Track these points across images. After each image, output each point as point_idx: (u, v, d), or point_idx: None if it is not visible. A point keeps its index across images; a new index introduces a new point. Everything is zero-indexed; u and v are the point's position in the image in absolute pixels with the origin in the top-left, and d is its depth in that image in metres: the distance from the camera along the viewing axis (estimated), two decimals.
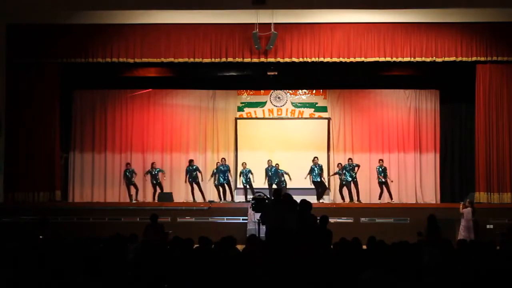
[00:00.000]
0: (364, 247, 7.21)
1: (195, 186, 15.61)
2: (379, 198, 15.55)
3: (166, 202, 14.81)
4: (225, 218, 14.03)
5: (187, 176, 15.60)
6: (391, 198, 15.52)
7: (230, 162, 16.61)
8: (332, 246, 8.04)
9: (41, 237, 9.24)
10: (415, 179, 16.56)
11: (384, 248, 6.65)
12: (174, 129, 17.13)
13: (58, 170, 15.22)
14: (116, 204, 15.04)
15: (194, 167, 15.69)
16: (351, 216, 14.02)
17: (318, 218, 8.90)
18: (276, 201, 9.34)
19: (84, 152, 16.83)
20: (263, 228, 9.48)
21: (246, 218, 13.68)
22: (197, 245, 7.14)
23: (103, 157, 16.84)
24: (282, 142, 16.86)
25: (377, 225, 13.73)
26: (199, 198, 15.63)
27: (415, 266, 5.76)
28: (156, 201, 15.34)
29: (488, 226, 13.60)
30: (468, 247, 7.41)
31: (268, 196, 12.59)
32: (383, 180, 15.45)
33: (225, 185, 15.57)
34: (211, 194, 16.11)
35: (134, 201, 15.44)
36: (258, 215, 9.91)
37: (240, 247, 7.36)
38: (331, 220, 9.42)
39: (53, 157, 15.04)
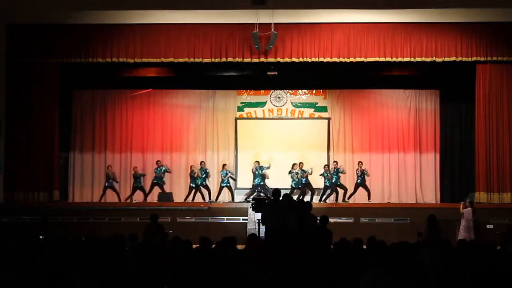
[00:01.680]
0: (364, 247, 7.21)
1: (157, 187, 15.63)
2: (348, 198, 15.37)
3: (166, 202, 14.80)
4: (225, 218, 14.02)
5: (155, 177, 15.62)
6: (369, 198, 15.47)
7: (230, 162, 16.63)
8: (332, 246, 8.04)
9: (41, 237, 9.24)
10: (415, 179, 16.56)
11: (384, 248, 6.65)
12: (174, 129, 17.12)
13: (57, 170, 15.21)
14: (116, 204, 15.01)
15: (162, 169, 15.63)
16: (351, 216, 14.01)
17: (318, 218, 8.90)
18: (276, 201, 9.34)
19: (84, 152, 16.83)
20: (263, 228, 9.47)
21: (246, 218, 13.68)
22: (197, 245, 7.13)
23: (103, 157, 16.84)
24: (282, 142, 16.85)
25: (377, 225, 13.73)
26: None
27: (415, 266, 5.76)
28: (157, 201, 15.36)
29: (488, 226, 13.60)
30: (468, 247, 7.40)
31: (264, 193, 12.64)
32: (360, 182, 15.36)
33: (203, 187, 15.49)
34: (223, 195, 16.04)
35: (134, 201, 15.44)
36: (258, 215, 9.91)
37: (240, 247, 7.36)
38: (331, 220, 9.41)
39: (52, 157, 15.04)
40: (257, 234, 9.92)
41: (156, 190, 15.71)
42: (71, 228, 13.01)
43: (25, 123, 14.85)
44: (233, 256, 6.58)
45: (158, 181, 15.57)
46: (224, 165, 15.91)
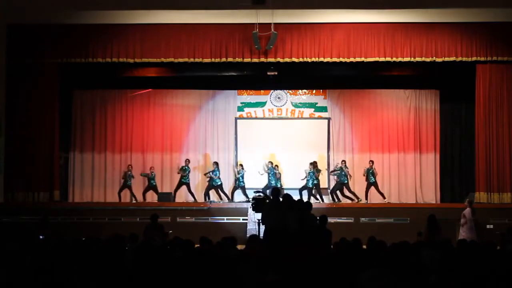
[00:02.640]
0: (364, 247, 7.21)
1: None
2: (384, 198, 15.53)
3: (166, 202, 14.80)
4: (225, 218, 14.02)
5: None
6: (384, 197, 15.51)
7: (230, 162, 16.62)
8: (332, 246, 8.04)
9: (41, 237, 9.24)
10: (415, 179, 16.55)
11: (384, 248, 6.65)
12: (174, 129, 17.12)
13: (57, 170, 15.21)
14: (116, 204, 15.01)
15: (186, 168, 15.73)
16: (351, 216, 14.01)
17: (318, 218, 8.91)
18: (276, 201, 9.34)
19: (84, 152, 16.83)
20: (263, 228, 9.47)
21: (246, 218, 13.68)
22: (198, 245, 7.13)
23: (103, 157, 16.84)
24: (282, 142, 16.84)
25: (377, 225, 13.72)
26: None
27: (415, 266, 5.75)
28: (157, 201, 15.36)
29: (488, 226, 13.59)
30: (468, 247, 7.41)
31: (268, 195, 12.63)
32: (374, 180, 15.39)
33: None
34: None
35: (134, 201, 15.44)
36: (258, 215, 9.91)
37: (240, 247, 7.36)
38: (331, 220, 9.43)
39: (52, 157, 15.04)
40: (257, 234, 9.92)
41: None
42: (71, 228, 13.02)
43: (25, 123, 14.84)
44: (234, 256, 6.58)
45: (186, 180, 15.60)
46: (240, 164, 15.94)
